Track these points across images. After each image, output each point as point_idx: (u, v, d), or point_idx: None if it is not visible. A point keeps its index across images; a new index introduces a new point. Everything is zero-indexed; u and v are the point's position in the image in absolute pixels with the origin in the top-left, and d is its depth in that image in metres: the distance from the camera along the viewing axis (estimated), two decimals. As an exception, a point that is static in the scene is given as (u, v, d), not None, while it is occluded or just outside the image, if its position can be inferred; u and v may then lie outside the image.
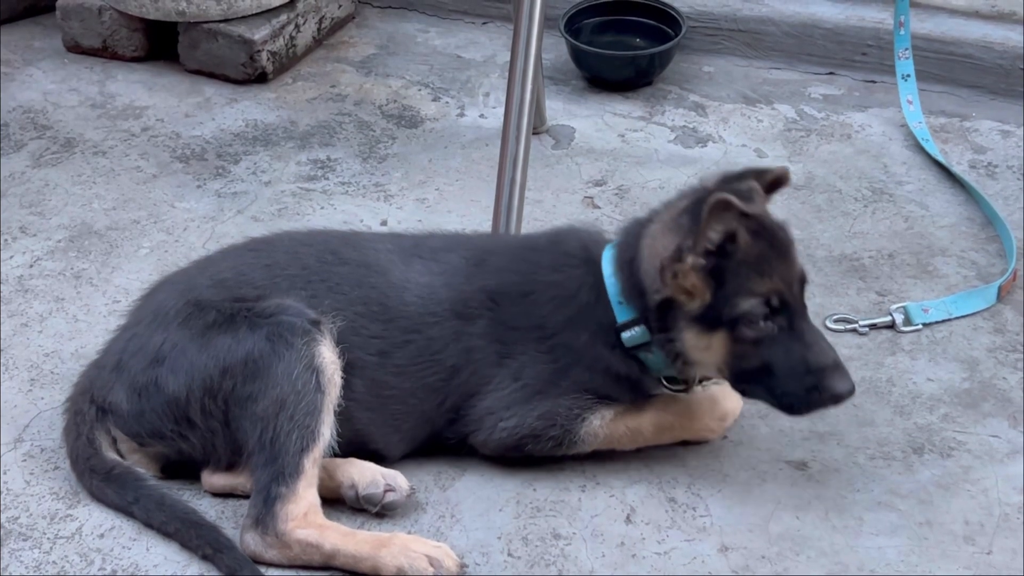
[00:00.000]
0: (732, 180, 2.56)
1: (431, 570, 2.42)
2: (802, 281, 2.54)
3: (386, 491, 2.57)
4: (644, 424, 2.68)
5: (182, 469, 2.65)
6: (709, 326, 2.50)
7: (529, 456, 2.66)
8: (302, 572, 2.48)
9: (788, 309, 2.48)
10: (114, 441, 2.65)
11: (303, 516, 2.47)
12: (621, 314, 2.60)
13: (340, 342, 2.58)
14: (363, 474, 2.59)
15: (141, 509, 2.56)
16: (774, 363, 2.49)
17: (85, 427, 2.63)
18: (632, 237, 2.62)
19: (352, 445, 2.61)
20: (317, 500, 2.51)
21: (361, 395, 2.61)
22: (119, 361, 2.62)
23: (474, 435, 2.66)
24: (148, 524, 2.56)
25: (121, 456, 2.64)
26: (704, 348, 2.53)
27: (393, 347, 2.63)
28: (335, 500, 2.59)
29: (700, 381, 2.71)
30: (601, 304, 2.62)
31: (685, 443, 2.74)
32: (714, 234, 2.45)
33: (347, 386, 2.58)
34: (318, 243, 2.77)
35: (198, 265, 2.79)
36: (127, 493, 2.58)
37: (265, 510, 2.46)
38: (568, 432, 2.62)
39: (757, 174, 2.59)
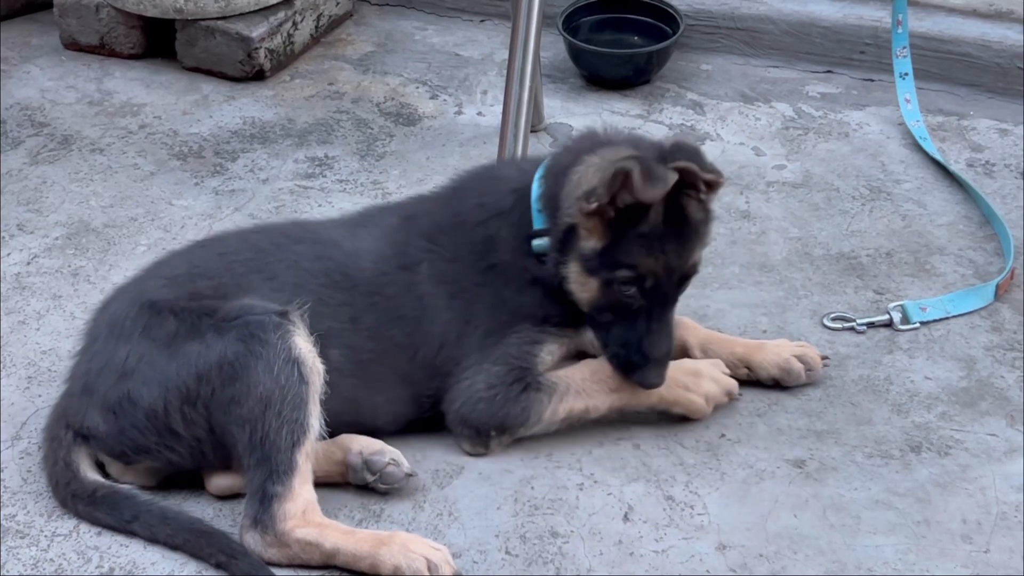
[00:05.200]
0: (679, 153, 2.56)
1: (428, 571, 2.41)
2: (686, 276, 2.64)
3: (389, 462, 2.59)
4: (610, 373, 2.69)
5: (179, 479, 2.63)
6: (591, 270, 2.60)
7: (515, 421, 2.67)
8: (300, 572, 2.48)
9: (659, 293, 2.60)
10: (100, 465, 2.62)
11: (301, 514, 2.46)
12: (537, 221, 2.67)
13: (312, 315, 2.58)
14: (372, 443, 2.62)
15: (142, 526, 2.52)
16: (622, 327, 2.63)
17: (62, 452, 2.59)
18: (574, 154, 2.67)
19: (339, 417, 2.59)
20: (314, 497, 2.50)
21: (340, 364, 2.62)
22: (85, 384, 2.58)
23: (449, 404, 2.68)
24: (153, 539, 2.52)
25: (113, 479, 2.61)
26: (581, 285, 2.64)
27: (361, 312, 2.68)
28: (330, 484, 2.60)
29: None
30: (520, 208, 2.69)
31: (682, 427, 2.74)
32: (627, 197, 2.51)
33: (325, 357, 2.58)
34: (268, 229, 2.85)
35: (147, 270, 2.77)
36: (122, 512, 2.54)
37: (262, 510, 2.45)
38: (527, 371, 2.67)
39: (701, 166, 2.57)
